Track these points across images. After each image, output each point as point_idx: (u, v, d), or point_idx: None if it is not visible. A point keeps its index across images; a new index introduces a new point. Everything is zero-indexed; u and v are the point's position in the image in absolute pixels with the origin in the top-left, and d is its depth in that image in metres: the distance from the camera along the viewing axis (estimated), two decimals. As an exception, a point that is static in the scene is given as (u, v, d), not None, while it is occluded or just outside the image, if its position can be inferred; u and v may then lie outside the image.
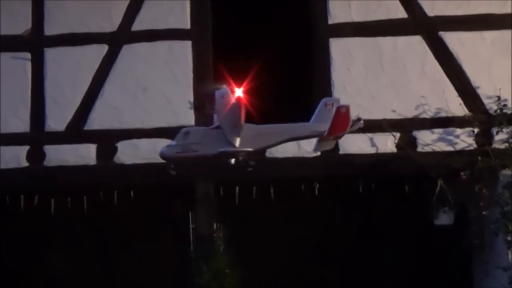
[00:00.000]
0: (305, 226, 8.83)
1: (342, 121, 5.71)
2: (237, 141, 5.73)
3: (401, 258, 8.69)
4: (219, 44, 7.98)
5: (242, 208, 7.66)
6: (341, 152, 7.61)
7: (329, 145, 6.18)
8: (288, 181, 7.54)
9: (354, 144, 7.59)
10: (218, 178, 7.58)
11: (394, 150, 7.63)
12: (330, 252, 8.78)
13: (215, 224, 7.54)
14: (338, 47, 7.81)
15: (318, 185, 7.66)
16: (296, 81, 8.46)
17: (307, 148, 7.59)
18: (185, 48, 7.90)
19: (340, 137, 6.00)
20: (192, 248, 7.59)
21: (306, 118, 7.68)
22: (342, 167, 7.59)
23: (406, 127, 7.64)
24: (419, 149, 7.62)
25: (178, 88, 7.84)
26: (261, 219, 8.67)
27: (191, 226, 7.64)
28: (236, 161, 5.92)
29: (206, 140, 5.81)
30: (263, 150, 6.52)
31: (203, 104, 7.75)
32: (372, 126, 7.50)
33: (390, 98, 7.70)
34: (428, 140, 7.62)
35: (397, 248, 8.73)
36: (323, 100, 5.99)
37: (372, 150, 7.62)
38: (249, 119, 7.37)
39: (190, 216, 7.65)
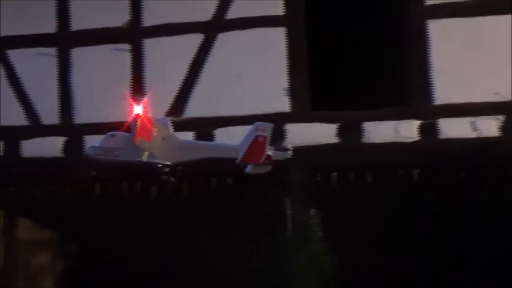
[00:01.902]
0: (403, 213, 8.64)
1: (257, 150, 5.50)
2: (144, 155, 5.67)
3: (504, 250, 8.36)
4: (313, 29, 7.92)
5: (339, 194, 7.60)
6: (441, 136, 7.41)
7: (263, 169, 5.87)
8: (385, 167, 7.41)
9: (454, 128, 7.38)
10: (314, 165, 7.55)
11: (498, 134, 7.34)
12: (428, 239, 8.57)
13: (311, 211, 7.52)
14: (435, 29, 7.58)
15: (416, 171, 7.47)
16: (392, 66, 8.29)
17: (405, 133, 7.46)
18: (279, 34, 7.89)
19: (274, 163, 5.73)
20: (288, 235, 7.60)
21: (402, 102, 7.61)
22: (441, 153, 7.39)
23: (510, 110, 7.33)
24: (525, 132, 7.31)
25: (272, 74, 7.86)
26: (357, 205, 8.57)
27: (287, 212, 7.65)
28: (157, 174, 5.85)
29: (128, 146, 5.78)
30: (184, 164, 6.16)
31: (298, 90, 7.76)
32: (474, 109, 7.27)
33: (491, 80, 7.41)
34: (534, 123, 7.30)
35: (497, 236, 8.41)
36: (255, 124, 5.79)
37: (473, 134, 7.37)
38: (344, 104, 7.36)
39: (286, 202, 7.66)
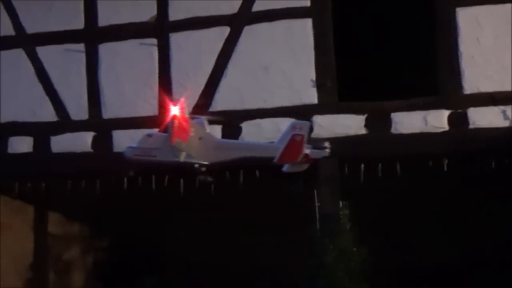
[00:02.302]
0: (432, 204, 8.58)
1: (294, 149, 5.44)
2: (182, 156, 5.62)
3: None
4: (340, 19, 7.86)
5: (367, 186, 7.54)
6: (470, 126, 7.31)
7: (300, 167, 5.87)
8: (414, 157, 7.32)
9: (485, 117, 7.27)
10: (342, 156, 7.51)
11: (529, 122, 7.22)
12: (460, 231, 8.49)
13: (340, 202, 7.47)
14: (465, 16, 7.47)
15: (446, 161, 7.38)
16: (420, 55, 8.20)
17: (435, 123, 7.37)
18: (306, 26, 7.85)
19: (307, 163, 5.64)
20: (317, 227, 7.57)
21: (431, 92, 7.51)
22: (472, 142, 7.29)
23: (541, 98, 7.20)
24: (556, 120, 7.17)
25: (300, 66, 7.82)
26: (386, 197, 8.52)
27: (316, 204, 7.61)
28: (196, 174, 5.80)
29: (165, 146, 5.76)
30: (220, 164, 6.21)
31: (325, 81, 7.71)
32: (504, 98, 7.15)
33: (523, 68, 7.27)
34: None
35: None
36: (292, 123, 5.72)
37: (504, 124, 7.25)
38: (371, 95, 7.29)
39: (315, 194, 7.63)
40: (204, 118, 6.12)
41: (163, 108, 8.08)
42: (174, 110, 5.73)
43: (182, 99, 5.89)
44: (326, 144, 5.83)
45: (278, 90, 7.86)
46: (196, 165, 5.87)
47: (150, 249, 9.73)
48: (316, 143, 5.90)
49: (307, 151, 5.61)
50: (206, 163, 5.82)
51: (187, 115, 5.84)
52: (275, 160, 5.61)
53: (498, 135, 7.23)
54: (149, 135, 6.01)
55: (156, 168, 8.03)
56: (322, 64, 7.76)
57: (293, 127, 5.71)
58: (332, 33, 7.83)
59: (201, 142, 5.87)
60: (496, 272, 8.13)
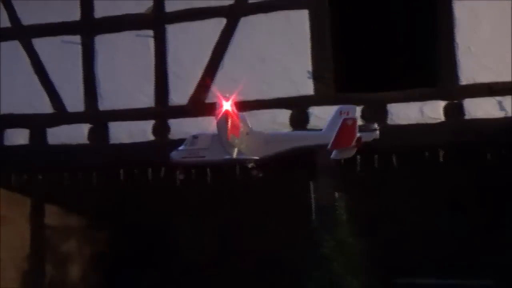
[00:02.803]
0: (428, 195, 8.59)
1: (347, 134, 5.34)
2: (235, 152, 5.58)
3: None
4: (337, 11, 7.85)
5: (364, 177, 7.54)
6: (466, 117, 7.31)
7: (348, 154, 5.78)
8: (411, 148, 7.33)
9: (481, 108, 7.27)
10: (338, 147, 7.49)
11: (525, 113, 7.22)
12: (455, 222, 8.50)
13: (336, 194, 7.48)
14: (462, 7, 7.45)
15: (442, 152, 7.38)
16: (418, 46, 8.18)
17: (431, 114, 7.37)
18: (302, 17, 7.83)
19: (357, 146, 5.57)
20: (313, 218, 7.57)
21: (429, 83, 7.50)
22: (468, 133, 7.28)
23: (537, 89, 7.19)
24: (554, 111, 7.17)
25: (296, 58, 7.81)
26: (383, 188, 8.53)
27: (312, 195, 7.62)
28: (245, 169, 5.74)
29: (213, 146, 5.73)
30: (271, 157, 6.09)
31: (322, 73, 7.70)
32: (501, 89, 7.15)
33: (519, 59, 7.26)
34: None
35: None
36: (338, 108, 5.64)
37: (500, 114, 7.25)
38: (368, 86, 7.28)
39: (311, 186, 7.63)
40: (245, 114, 6.03)
41: (159, 99, 8.17)
42: (227, 105, 5.68)
43: (233, 94, 5.82)
44: (376, 126, 5.75)
45: (275, 82, 7.85)
46: (247, 161, 5.80)
47: (149, 242, 9.74)
48: (365, 127, 5.79)
49: (358, 134, 5.55)
50: (256, 158, 5.75)
51: (236, 111, 5.77)
52: (329, 147, 5.52)
53: (495, 126, 7.23)
54: (195, 136, 5.97)
55: (154, 161, 8.09)
56: (319, 56, 7.74)
57: (340, 112, 5.65)
58: (329, 24, 7.81)
59: (250, 137, 5.82)
60: (493, 264, 8.14)
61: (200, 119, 8.01)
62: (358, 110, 7.49)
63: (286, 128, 7.68)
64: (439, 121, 7.34)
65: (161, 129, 8.17)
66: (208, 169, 8.01)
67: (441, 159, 7.40)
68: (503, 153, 7.27)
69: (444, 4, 7.53)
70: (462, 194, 8.51)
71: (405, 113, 7.44)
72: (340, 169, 7.57)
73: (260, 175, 5.93)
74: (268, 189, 8.80)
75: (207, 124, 7.91)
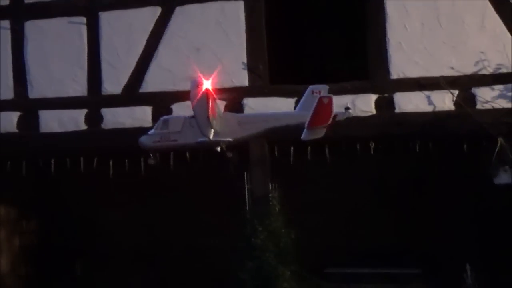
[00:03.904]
0: (359, 186, 8.77)
1: (323, 112, 5.39)
2: (211, 133, 5.56)
3: (458, 218, 8.55)
4: (272, 3, 7.89)
5: (297, 168, 7.64)
6: (397, 110, 7.49)
7: (319, 134, 5.83)
8: (342, 140, 7.46)
9: (410, 102, 7.45)
10: (272, 138, 7.57)
11: (452, 108, 7.43)
12: (384, 212, 8.71)
13: (270, 184, 7.54)
14: (393, 3, 7.60)
15: (373, 144, 7.55)
16: (350, 40, 8.32)
17: (362, 107, 7.51)
18: (238, 8, 7.84)
19: (330, 125, 5.64)
20: (247, 208, 7.62)
21: (361, 77, 7.65)
22: (398, 126, 7.46)
23: (464, 84, 7.42)
24: (478, 106, 7.40)
25: (231, 49, 7.81)
26: (316, 179, 8.66)
27: (246, 186, 7.66)
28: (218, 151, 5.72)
29: (185, 129, 5.68)
30: (245, 139, 6.16)
31: (257, 64, 7.74)
32: (429, 84, 7.37)
33: (447, 55, 7.47)
34: (488, 97, 7.39)
35: (454, 208, 8.59)
36: (310, 88, 5.71)
37: (429, 109, 7.46)
38: (302, 78, 7.36)
39: (245, 176, 7.68)
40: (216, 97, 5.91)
41: (92, 88, 8.04)
42: (207, 84, 5.53)
43: (213, 74, 5.69)
44: (348, 105, 5.76)
45: (210, 72, 7.78)
46: (221, 144, 5.68)
47: (80, 232, 9.60)
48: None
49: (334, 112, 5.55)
50: (230, 140, 5.64)
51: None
52: (306, 125, 5.48)
53: (424, 119, 7.43)
54: (166, 120, 5.80)
55: (86, 149, 7.97)
56: (254, 47, 7.77)
57: (312, 91, 5.62)
58: (264, 16, 7.84)
59: (223, 119, 5.70)
60: (420, 253, 8.40)
61: (133, 108, 7.95)
62: (292, 101, 7.60)
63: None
64: (370, 114, 7.49)
65: (93, 118, 8.04)
66: (141, 158, 7.95)
67: (371, 151, 7.56)
68: (431, 146, 7.49)
69: (376, 0, 7.66)
70: (391, 186, 8.72)
71: (337, 105, 7.55)
72: (274, 160, 7.66)
73: (231, 155, 5.86)
74: (202, 179, 8.83)
75: (141, 114, 7.92)
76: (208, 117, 5.49)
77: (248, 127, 5.77)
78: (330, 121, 5.50)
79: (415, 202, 8.65)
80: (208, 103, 5.44)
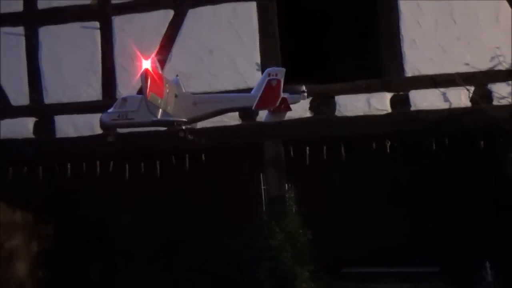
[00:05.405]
0: (376, 184, 8.74)
1: (271, 94, 5.36)
2: (159, 113, 5.59)
3: (475, 215, 8.49)
4: (284, 3, 7.87)
5: (313, 168, 7.62)
6: (412, 108, 7.46)
7: (280, 116, 5.75)
8: (358, 139, 7.44)
9: (426, 99, 7.42)
10: (287, 138, 7.56)
11: (468, 104, 7.39)
12: (400, 211, 8.67)
13: (286, 185, 7.53)
14: (406, 1, 7.57)
15: (389, 142, 7.52)
16: (363, 37, 8.28)
17: (377, 105, 7.49)
18: (250, 8, 7.84)
19: (286, 108, 5.62)
20: (264, 209, 7.61)
21: (374, 75, 7.62)
22: (413, 124, 7.43)
23: (480, 80, 7.37)
24: (495, 102, 7.35)
25: (244, 49, 7.81)
26: (332, 178, 8.63)
27: (262, 187, 7.65)
28: (175, 131, 5.73)
29: (142, 108, 5.68)
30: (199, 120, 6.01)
31: (270, 65, 7.71)
32: (444, 81, 7.32)
33: (462, 51, 7.43)
34: (504, 93, 7.34)
35: (471, 205, 8.54)
36: (267, 71, 5.69)
37: (444, 105, 7.41)
38: (316, 77, 7.34)
39: (261, 177, 7.67)
40: (179, 78, 5.97)
41: (107, 92, 8.06)
42: (146, 64, 5.59)
43: (153, 54, 5.73)
44: (303, 88, 5.76)
45: (223, 74, 7.84)
46: (175, 122, 5.71)
47: (96, 235, 9.63)
48: (293, 90, 5.82)
49: (284, 95, 5.57)
50: (184, 119, 5.68)
51: (159, 71, 5.69)
52: (254, 107, 5.52)
53: (439, 116, 7.39)
54: (124, 99, 5.87)
55: (102, 153, 7.99)
56: (267, 47, 7.77)
57: (268, 74, 5.64)
58: (277, 16, 7.84)
59: (178, 99, 5.74)
60: (439, 251, 8.35)
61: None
62: (307, 101, 7.57)
63: (236, 121, 7.70)
64: (385, 112, 7.46)
65: (108, 122, 8.05)
66: (157, 161, 7.96)
67: (387, 150, 7.53)
68: (447, 143, 7.44)
69: (388, -2, 7.64)
70: (407, 184, 8.68)
71: (352, 104, 7.55)
72: (289, 160, 7.65)
73: (190, 137, 5.88)
74: (218, 180, 8.83)
75: (156, 117, 7.91)
76: (147, 96, 5.55)
77: (202, 107, 5.77)
78: (277, 104, 5.48)
79: (431, 199, 8.61)
80: (146, 82, 5.50)
